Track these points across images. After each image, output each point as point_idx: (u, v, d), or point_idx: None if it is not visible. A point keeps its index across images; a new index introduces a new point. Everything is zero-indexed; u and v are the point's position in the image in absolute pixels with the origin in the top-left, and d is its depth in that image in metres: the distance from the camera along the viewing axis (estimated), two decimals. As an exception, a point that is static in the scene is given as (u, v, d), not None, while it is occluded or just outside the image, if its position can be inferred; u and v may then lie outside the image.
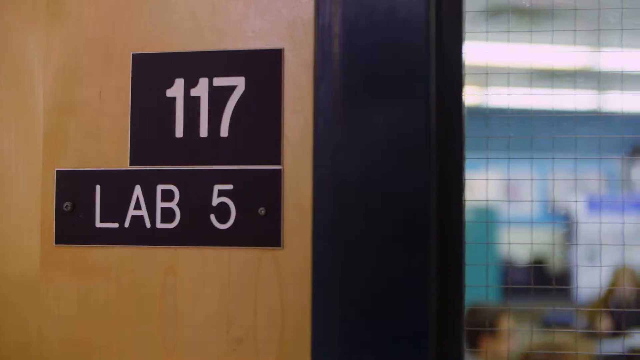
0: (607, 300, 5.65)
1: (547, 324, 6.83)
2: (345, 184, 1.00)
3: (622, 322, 5.48)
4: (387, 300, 0.97)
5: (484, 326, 3.26)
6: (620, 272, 5.67)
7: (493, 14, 1.69)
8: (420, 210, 0.93)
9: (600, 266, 7.33)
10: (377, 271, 0.97)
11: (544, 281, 8.56)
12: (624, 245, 7.37)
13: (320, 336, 1.02)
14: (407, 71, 0.96)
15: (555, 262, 8.72)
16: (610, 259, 7.96)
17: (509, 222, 7.77)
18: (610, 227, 8.70)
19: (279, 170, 1.17)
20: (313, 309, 1.03)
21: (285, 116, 1.18)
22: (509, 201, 7.44)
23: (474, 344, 3.25)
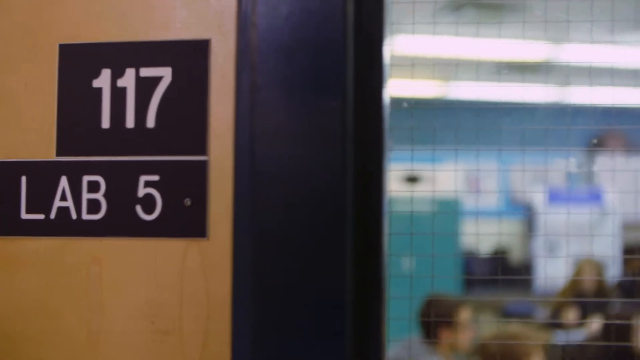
0: (570, 291, 5.71)
1: (508, 314, 6.91)
2: (263, 174, 1.00)
3: (584, 312, 5.56)
4: (304, 290, 0.97)
5: (442, 317, 3.28)
6: (583, 264, 5.74)
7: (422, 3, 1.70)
8: (338, 199, 0.93)
9: (559, 257, 7.38)
10: (294, 261, 0.97)
11: (505, 272, 8.63)
12: (587, 236, 7.44)
13: (239, 328, 1.02)
14: (324, 61, 0.96)
15: (515, 254, 8.81)
16: (571, 250, 8.06)
17: (465, 213, 7.82)
18: (571, 219, 8.74)
19: (205, 161, 1.17)
20: (233, 301, 1.04)
21: (212, 107, 1.18)
22: (471, 192, 7.47)
23: (432, 335, 3.27)
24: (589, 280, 5.64)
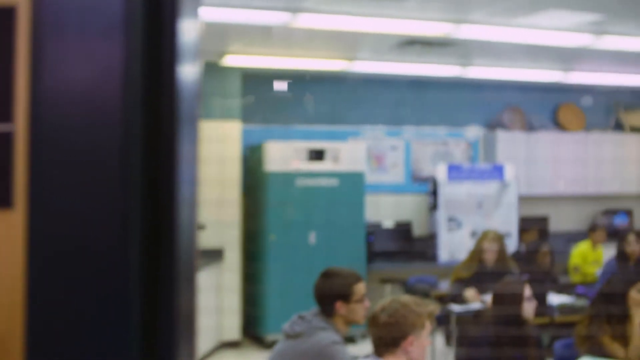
0: (471, 262, 5.84)
1: (409, 286, 7.06)
2: (42, 140, 1.01)
3: (482, 284, 5.71)
4: (90, 268, 0.98)
5: (337, 290, 3.29)
6: (485, 235, 5.87)
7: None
8: (123, 171, 0.95)
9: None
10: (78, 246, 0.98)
11: (407, 245, 8.77)
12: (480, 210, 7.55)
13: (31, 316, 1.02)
14: (104, 31, 0.98)
15: (418, 227, 8.95)
16: (471, 223, 8.20)
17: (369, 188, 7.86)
18: (471, 192, 8.94)
19: (10, 132, 1.17)
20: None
21: (18, 75, 1.17)
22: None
23: (329, 310, 3.27)
24: (489, 250, 5.79)
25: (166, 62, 0.99)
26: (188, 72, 1.00)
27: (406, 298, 2.66)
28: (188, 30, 1.01)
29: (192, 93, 0.99)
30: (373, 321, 2.62)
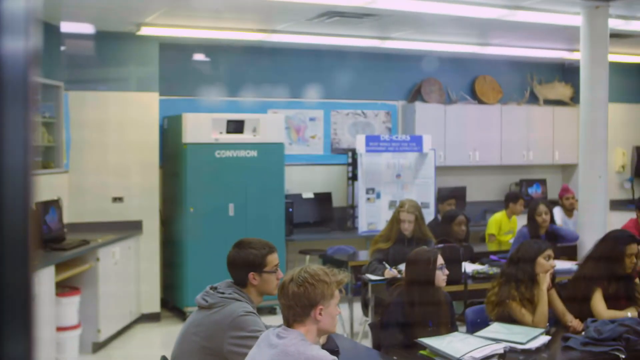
0: (389, 232, 5.89)
1: (327, 257, 7.12)
2: None
3: (400, 254, 5.79)
4: None
5: (255, 261, 3.27)
6: (402, 205, 5.93)
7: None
8: None
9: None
10: None
11: (327, 215, 8.84)
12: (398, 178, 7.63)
13: None
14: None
15: (337, 197, 9.00)
16: (389, 193, 8.29)
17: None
18: (389, 163, 9.03)
19: None
20: None
21: None
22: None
23: (242, 281, 3.27)
24: (406, 220, 5.86)
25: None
26: (15, 38, 0.91)
27: (315, 267, 2.66)
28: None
29: (21, 59, 0.91)
30: (282, 291, 2.63)
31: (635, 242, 4.47)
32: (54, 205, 6.61)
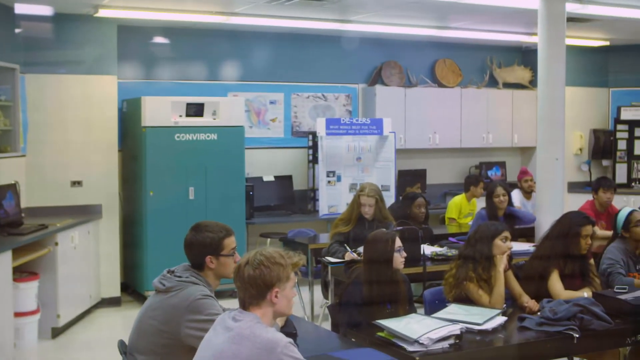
0: (350, 217, 5.90)
1: (288, 240, 7.12)
2: None
3: (361, 236, 5.81)
4: None
5: (212, 245, 3.25)
6: (362, 188, 5.94)
7: None
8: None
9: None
10: None
11: (288, 198, 8.85)
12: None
13: None
14: None
15: (298, 181, 9.02)
16: (350, 176, 8.33)
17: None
18: (350, 146, 9.03)
19: None
20: None
21: None
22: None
23: (199, 264, 3.25)
24: (367, 204, 5.87)
25: None
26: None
27: (271, 250, 2.66)
28: None
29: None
30: (238, 274, 2.62)
31: (590, 223, 4.53)
32: (11, 189, 6.52)
